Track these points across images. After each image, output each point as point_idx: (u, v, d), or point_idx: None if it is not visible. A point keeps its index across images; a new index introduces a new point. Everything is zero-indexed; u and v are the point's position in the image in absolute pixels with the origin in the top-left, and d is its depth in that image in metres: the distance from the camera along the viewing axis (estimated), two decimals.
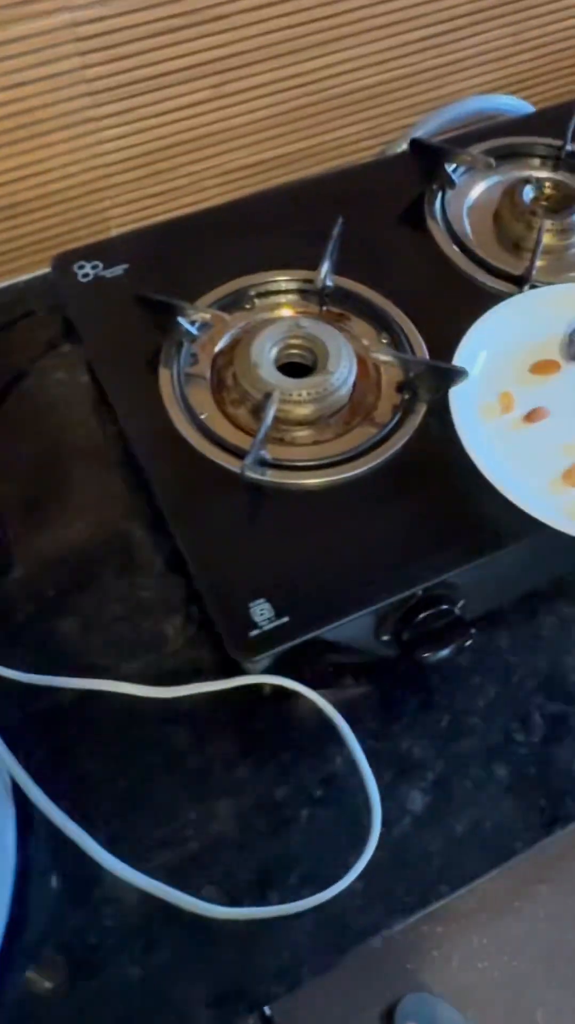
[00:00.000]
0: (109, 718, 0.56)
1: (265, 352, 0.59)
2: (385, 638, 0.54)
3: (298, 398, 0.57)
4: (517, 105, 0.82)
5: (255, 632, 0.50)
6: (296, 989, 0.49)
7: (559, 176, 0.72)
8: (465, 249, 0.67)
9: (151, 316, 0.61)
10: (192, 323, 0.61)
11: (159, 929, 0.50)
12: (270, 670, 0.54)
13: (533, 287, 0.64)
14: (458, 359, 0.58)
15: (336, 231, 0.62)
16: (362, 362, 0.61)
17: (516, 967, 1.30)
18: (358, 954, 0.50)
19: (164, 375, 0.60)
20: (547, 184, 0.70)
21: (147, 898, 0.51)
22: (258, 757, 0.56)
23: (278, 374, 0.59)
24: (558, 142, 0.73)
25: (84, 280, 0.65)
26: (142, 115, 0.70)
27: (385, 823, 0.53)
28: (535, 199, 0.69)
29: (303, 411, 0.58)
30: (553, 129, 0.74)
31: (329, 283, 0.64)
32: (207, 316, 0.60)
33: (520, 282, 0.64)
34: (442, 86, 0.81)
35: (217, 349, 0.62)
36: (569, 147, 0.72)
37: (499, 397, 0.58)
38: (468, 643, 0.53)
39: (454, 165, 0.70)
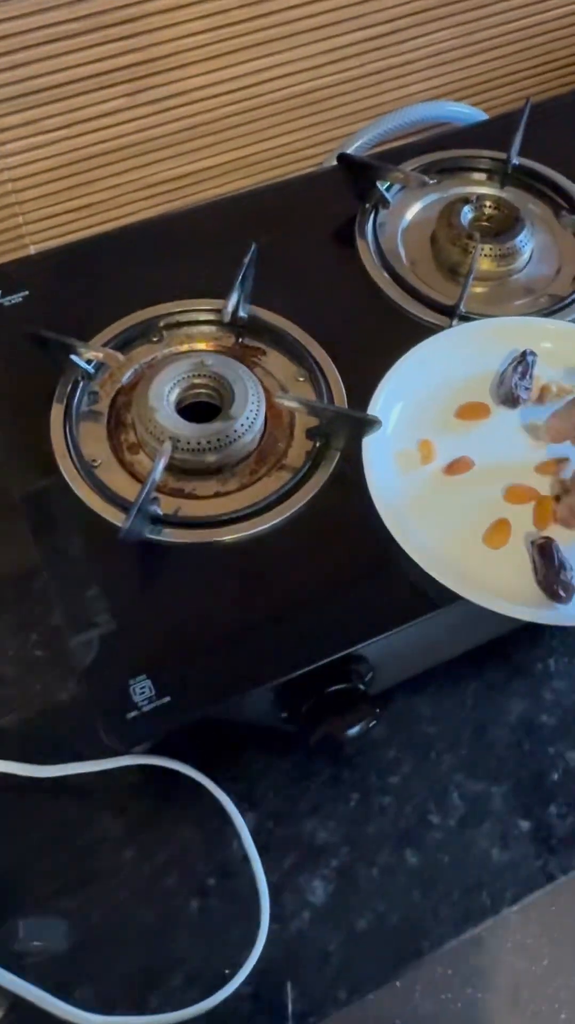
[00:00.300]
0: None
1: (164, 394, 0.54)
2: (283, 715, 0.49)
3: (197, 446, 0.52)
4: (469, 112, 0.76)
5: (133, 714, 0.45)
6: None
7: (504, 194, 0.67)
8: (395, 276, 0.61)
9: (44, 352, 0.56)
10: (88, 361, 0.56)
11: None
12: (160, 744, 0.50)
13: (466, 319, 0.59)
14: (375, 403, 0.53)
15: (247, 259, 0.57)
16: (274, 404, 0.56)
17: (480, 999, 1.27)
18: None
19: (56, 417, 0.55)
20: (488, 203, 0.65)
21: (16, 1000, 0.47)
22: (148, 839, 0.51)
23: (177, 419, 0.53)
24: (504, 155, 0.67)
25: None
26: (48, 126, 0.64)
27: (281, 917, 0.49)
28: (474, 220, 0.64)
29: (203, 460, 0.53)
30: (502, 140, 0.69)
31: (243, 314, 0.58)
32: (99, 356, 0.55)
33: (452, 314, 0.59)
34: (385, 91, 0.76)
35: (118, 386, 0.57)
36: (514, 161, 0.66)
37: (419, 445, 0.53)
38: (373, 724, 0.48)
39: (387, 183, 0.65)
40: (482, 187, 0.68)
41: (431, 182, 0.66)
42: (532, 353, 0.55)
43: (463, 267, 0.61)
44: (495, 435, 0.54)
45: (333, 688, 0.48)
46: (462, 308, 0.58)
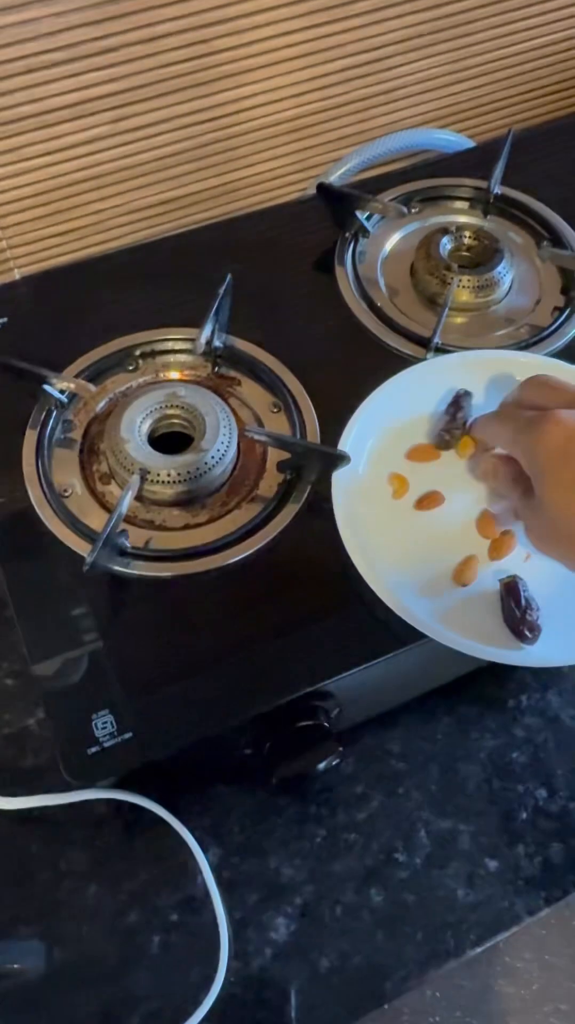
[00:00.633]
0: None
1: (136, 425, 0.54)
2: (247, 752, 0.49)
3: (167, 478, 0.52)
4: (455, 140, 0.76)
5: (94, 749, 0.45)
6: None
7: (485, 223, 0.67)
8: (373, 306, 0.61)
9: (18, 380, 0.56)
10: (61, 391, 0.56)
11: None
12: (126, 777, 0.50)
13: (442, 351, 0.59)
14: (346, 438, 0.53)
15: (222, 290, 0.57)
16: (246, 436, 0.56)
17: (469, 1023, 1.25)
18: None
19: (28, 444, 0.55)
20: (468, 234, 0.64)
21: None
22: (112, 873, 0.51)
23: (149, 450, 0.53)
24: (486, 184, 0.67)
25: None
26: (31, 153, 0.65)
27: (243, 954, 0.48)
28: (454, 250, 0.64)
29: (173, 492, 0.53)
30: (485, 168, 0.69)
31: (218, 344, 0.58)
32: (71, 386, 0.55)
33: (427, 345, 0.59)
34: (370, 119, 0.76)
35: (92, 415, 0.57)
36: (496, 190, 0.66)
37: (390, 479, 0.53)
38: (337, 761, 0.48)
39: (366, 212, 0.64)
40: (463, 216, 0.68)
41: (411, 211, 0.66)
42: (468, 394, 0.54)
43: (441, 298, 0.61)
44: (467, 470, 0.54)
45: (297, 725, 0.48)
46: (437, 340, 0.57)
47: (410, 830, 0.52)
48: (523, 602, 0.47)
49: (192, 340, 0.59)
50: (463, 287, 0.61)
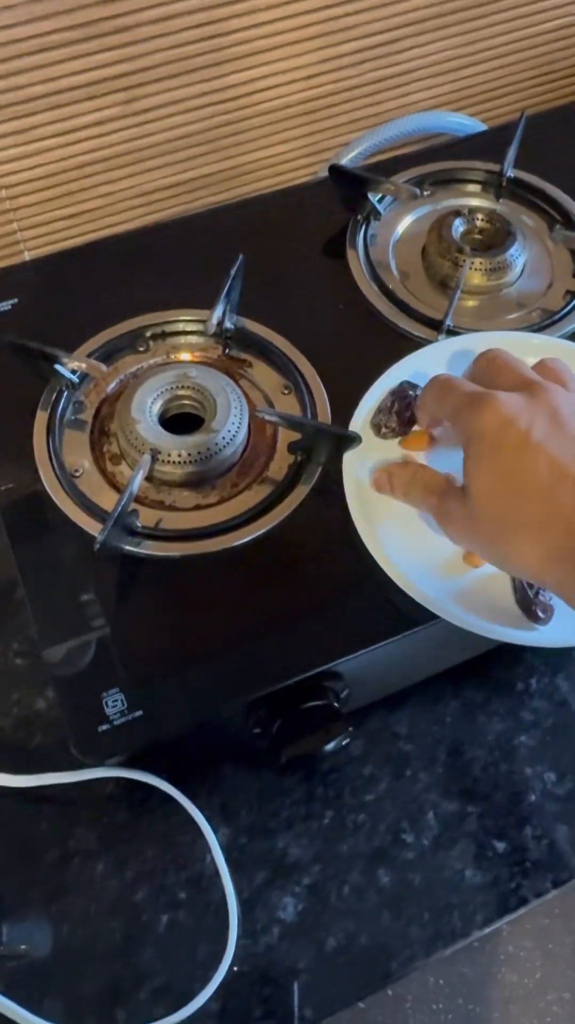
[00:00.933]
0: None
1: (147, 405, 0.54)
2: (256, 731, 0.49)
3: (177, 458, 0.52)
4: (467, 123, 0.76)
5: (104, 727, 0.45)
6: None
7: (498, 206, 0.66)
8: (385, 288, 0.61)
9: (29, 361, 0.56)
10: (72, 371, 0.56)
11: None
12: (135, 756, 0.50)
13: (454, 333, 0.58)
14: (356, 419, 0.53)
15: (234, 270, 0.57)
16: (256, 417, 0.55)
17: (471, 1010, 1.26)
18: None
19: (39, 425, 0.55)
20: (480, 217, 0.64)
21: None
22: (120, 852, 0.51)
23: (159, 430, 0.53)
24: (498, 167, 0.67)
25: None
26: (42, 134, 0.65)
27: (251, 933, 0.49)
28: (466, 233, 0.63)
29: (184, 473, 0.53)
30: (498, 151, 0.68)
31: (229, 325, 0.58)
32: (82, 366, 0.55)
33: (439, 328, 0.58)
34: (382, 101, 0.75)
35: (103, 396, 0.57)
36: (509, 173, 0.66)
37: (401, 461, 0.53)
38: (346, 741, 0.48)
39: (378, 195, 0.64)
40: (476, 199, 0.67)
41: (423, 194, 0.66)
42: (414, 388, 0.52)
43: (453, 280, 0.61)
44: None
45: (307, 705, 0.48)
46: (449, 322, 0.57)
47: (418, 812, 0.52)
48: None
49: (202, 322, 0.59)
50: (475, 270, 0.61)
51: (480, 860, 0.51)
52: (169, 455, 0.52)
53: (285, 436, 0.55)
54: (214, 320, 0.56)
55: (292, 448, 0.54)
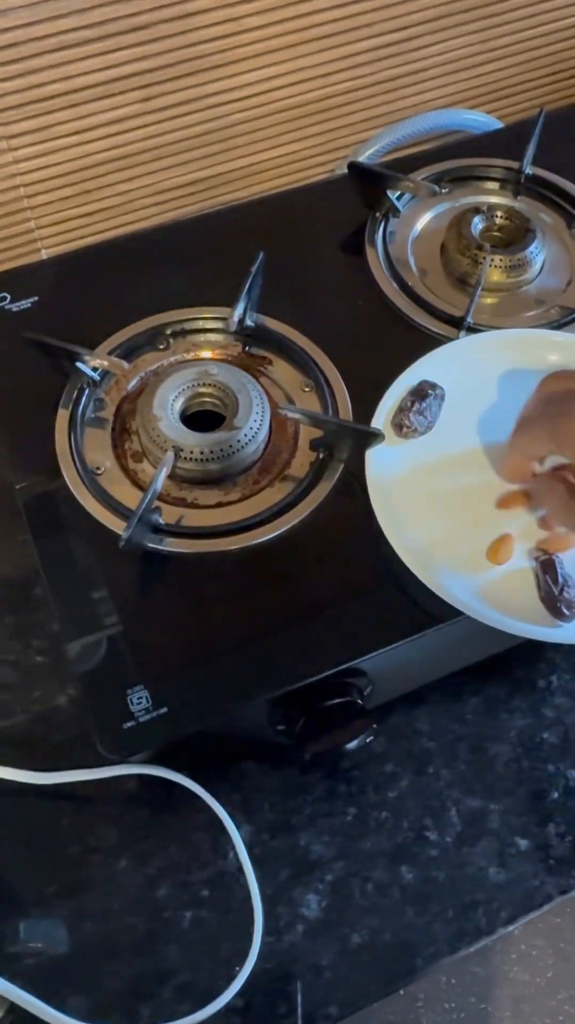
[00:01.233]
0: None
1: (168, 403, 0.54)
2: (280, 728, 0.49)
3: (200, 456, 0.52)
4: (483, 120, 0.76)
5: (129, 724, 0.45)
6: None
7: (517, 203, 0.66)
8: (404, 286, 0.61)
9: (50, 359, 0.56)
10: (94, 369, 0.56)
11: None
12: (158, 753, 0.50)
13: (474, 330, 0.58)
14: (378, 415, 0.53)
15: (255, 268, 0.57)
16: (278, 414, 0.55)
17: (483, 1009, 1.26)
18: None
19: (61, 423, 0.55)
20: (499, 214, 0.64)
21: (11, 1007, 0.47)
22: (142, 848, 0.51)
23: (181, 427, 0.53)
24: (517, 164, 0.67)
25: None
26: (60, 132, 0.65)
27: (275, 930, 0.49)
28: (485, 230, 0.63)
29: (205, 470, 0.53)
30: (516, 149, 0.68)
31: (250, 323, 0.58)
32: (104, 363, 0.55)
33: (460, 325, 0.58)
34: (399, 99, 0.75)
35: (124, 393, 0.57)
36: (527, 171, 0.66)
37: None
38: (370, 738, 0.48)
39: (397, 192, 0.64)
40: (494, 196, 0.67)
41: (442, 191, 0.66)
42: (434, 387, 0.53)
43: (472, 278, 0.61)
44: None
45: (331, 702, 0.48)
46: (470, 319, 0.57)
47: (440, 808, 0.52)
48: (561, 579, 0.47)
49: (222, 319, 0.59)
50: (495, 267, 0.61)
51: (504, 857, 0.51)
52: (191, 452, 0.52)
53: (307, 433, 0.55)
54: (235, 318, 0.56)
55: (314, 445, 0.54)
